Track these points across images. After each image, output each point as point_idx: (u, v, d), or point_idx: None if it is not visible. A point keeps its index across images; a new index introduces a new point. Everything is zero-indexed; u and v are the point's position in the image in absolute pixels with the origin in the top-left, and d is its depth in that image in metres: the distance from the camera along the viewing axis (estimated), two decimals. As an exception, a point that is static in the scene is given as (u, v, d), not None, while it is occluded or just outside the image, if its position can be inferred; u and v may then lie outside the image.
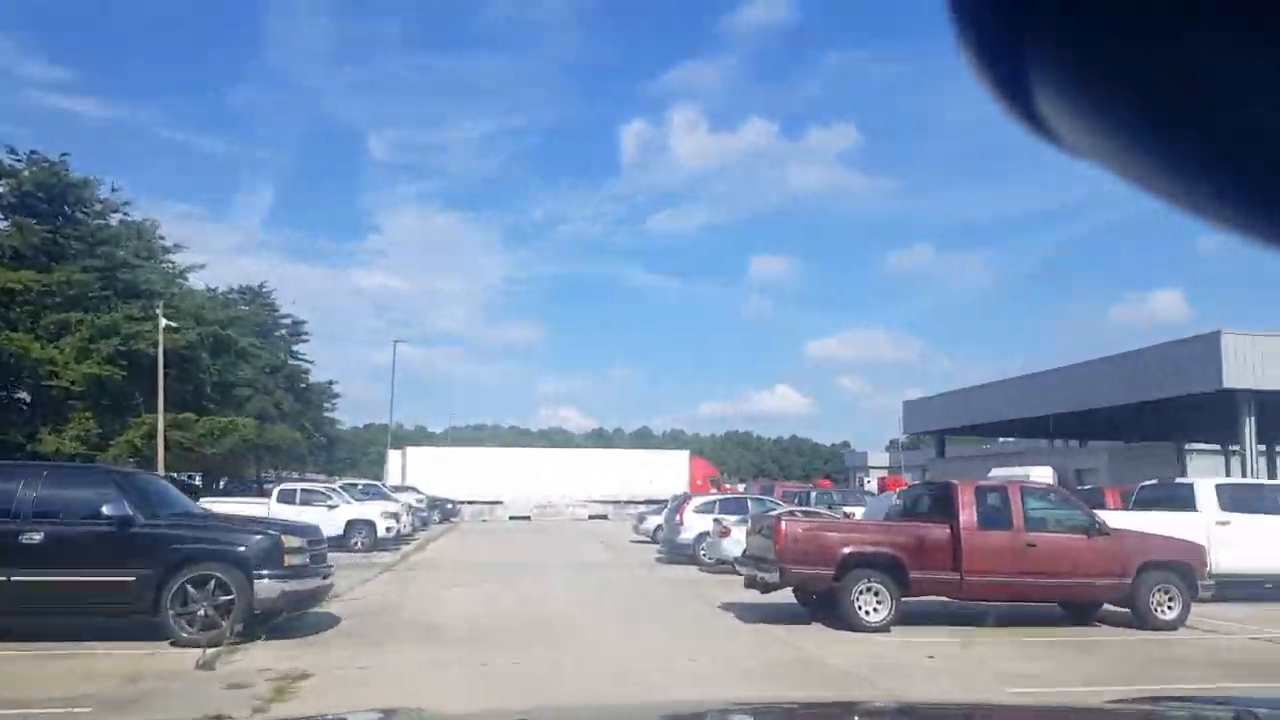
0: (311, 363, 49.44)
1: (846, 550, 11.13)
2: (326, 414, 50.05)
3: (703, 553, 20.86)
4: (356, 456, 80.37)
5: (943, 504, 12.04)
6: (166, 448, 27.96)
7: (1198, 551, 12.62)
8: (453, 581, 17.15)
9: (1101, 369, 30.11)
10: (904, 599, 11.48)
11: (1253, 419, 26.10)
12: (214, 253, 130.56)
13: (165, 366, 29.29)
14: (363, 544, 25.12)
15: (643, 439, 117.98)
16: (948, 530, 11.50)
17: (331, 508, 25.25)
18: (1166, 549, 12.38)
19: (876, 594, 11.17)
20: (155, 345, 27.61)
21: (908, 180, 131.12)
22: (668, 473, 51.39)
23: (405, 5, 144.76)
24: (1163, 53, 0.49)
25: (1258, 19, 0.46)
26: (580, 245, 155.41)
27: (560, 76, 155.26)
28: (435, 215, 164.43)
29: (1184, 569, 12.19)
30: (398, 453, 50.76)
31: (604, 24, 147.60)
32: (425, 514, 39.12)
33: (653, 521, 29.95)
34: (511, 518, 48.34)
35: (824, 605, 11.68)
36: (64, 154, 29.84)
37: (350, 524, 25.21)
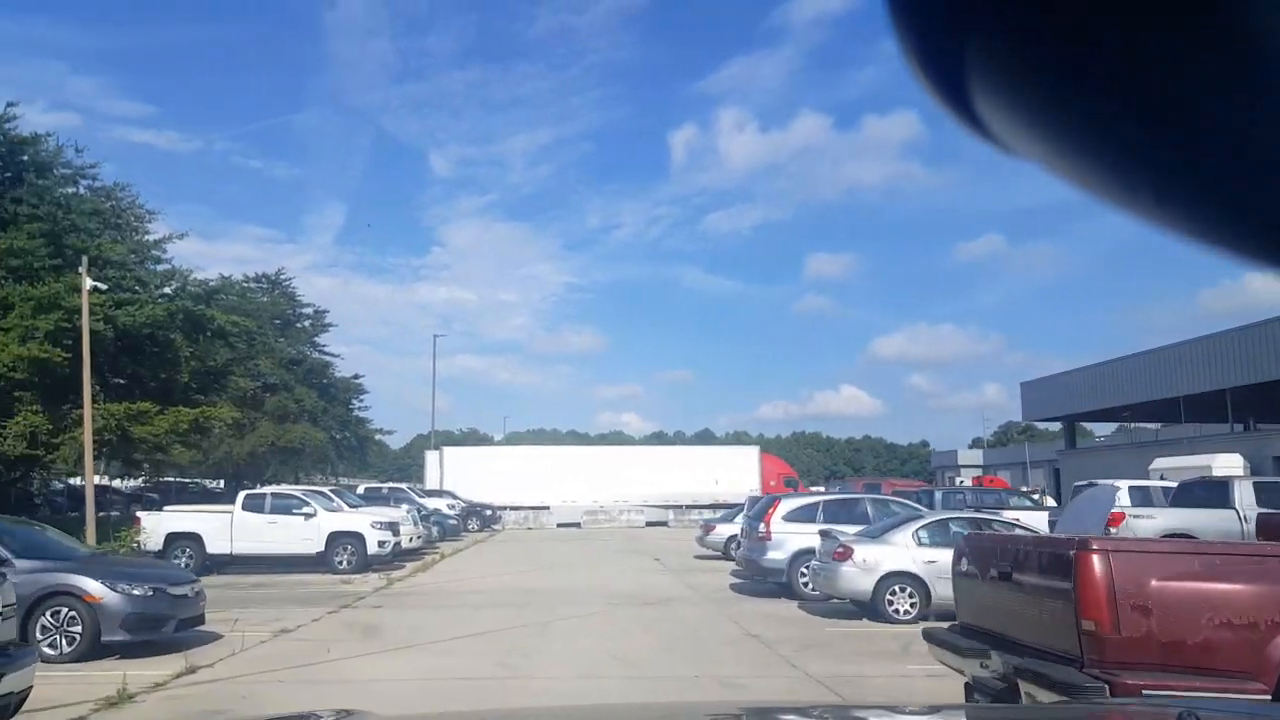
0: (338, 356, 44.55)
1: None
2: (356, 412, 45.01)
3: (804, 582, 14.78)
4: (407, 463, 76.07)
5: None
6: (130, 444, 23.01)
7: None
8: (413, 636, 11.32)
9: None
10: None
11: None
12: (290, 273, 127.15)
13: (122, 349, 24.27)
14: (348, 563, 19.61)
15: (704, 441, 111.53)
16: None
17: (309, 517, 19.77)
18: None
19: None
20: (111, 323, 22.55)
21: (975, 168, 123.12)
22: (735, 472, 45.09)
23: (458, 23, 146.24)
24: (1099, 51, 0.50)
25: (1193, 17, 0.47)
26: (636, 249, 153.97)
27: (609, 82, 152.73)
28: (495, 226, 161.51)
29: None
30: (435, 455, 45.55)
31: (649, 28, 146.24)
32: (455, 522, 33.67)
33: (723, 532, 23.86)
34: (559, 525, 42.71)
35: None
36: (10, 103, 25.04)
37: (333, 538, 19.74)
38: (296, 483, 43.30)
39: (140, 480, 41.13)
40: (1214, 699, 3.41)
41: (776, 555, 15.19)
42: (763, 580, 15.69)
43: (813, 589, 14.33)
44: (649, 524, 42.98)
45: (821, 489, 55.97)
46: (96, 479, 50.70)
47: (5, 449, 21.88)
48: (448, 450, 45.49)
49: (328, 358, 42.86)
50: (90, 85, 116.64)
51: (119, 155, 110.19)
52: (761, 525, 15.45)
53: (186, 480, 43.70)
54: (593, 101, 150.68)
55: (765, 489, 46.92)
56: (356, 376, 44.70)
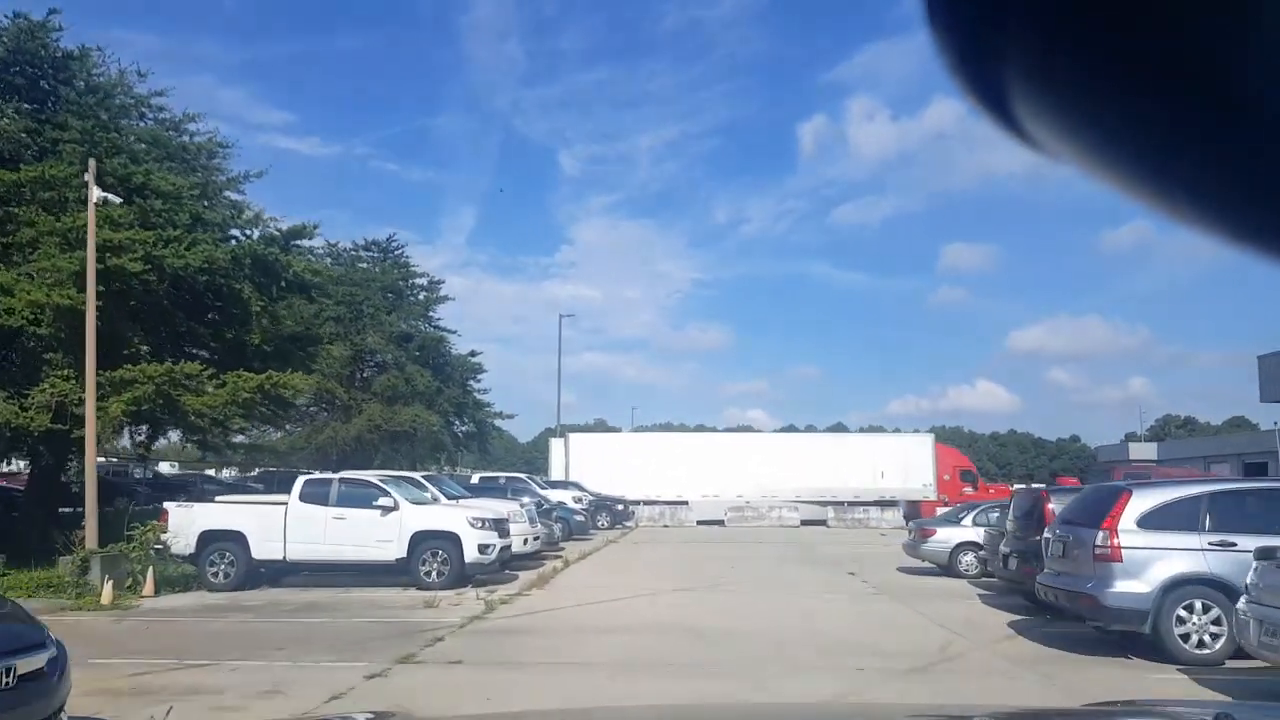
0: (454, 332, 39.77)
1: None
2: (474, 393, 40.14)
3: (1186, 634, 8.31)
4: (534, 456, 71.97)
5: None
6: (178, 416, 18.46)
7: None
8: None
9: None
10: None
11: None
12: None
13: (177, 300, 19.65)
14: (438, 573, 14.20)
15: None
16: None
17: (387, 511, 14.47)
18: None
19: None
20: (156, 266, 17.94)
21: None
22: (905, 463, 38.09)
23: (585, 21, 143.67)
24: (1139, 57, 0.50)
25: (1236, 19, 0.47)
26: (764, 244, 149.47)
27: (737, 76, 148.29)
28: (622, 224, 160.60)
29: None
30: (560, 442, 40.36)
31: (778, 20, 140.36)
32: (583, 518, 28.20)
33: (948, 538, 17.25)
34: (700, 522, 36.77)
35: None
36: (52, 10, 20.90)
37: (418, 539, 14.39)
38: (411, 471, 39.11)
39: (237, 469, 37.81)
40: (1253, 705, 3.22)
41: (1132, 588, 8.65)
42: (1102, 625, 9.17)
43: (1208, 646, 7.85)
44: (804, 523, 36.52)
45: (997, 489, 47.84)
46: (168, 465, 47.45)
47: (25, 422, 17.46)
48: (574, 437, 40.19)
49: (442, 333, 38.19)
50: (236, 95, 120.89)
51: (263, 160, 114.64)
52: (1099, 535, 8.90)
53: (296, 469, 40.10)
54: (720, 96, 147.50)
55: (940, 486, 39.71)
56: (473, 353, 39.79)
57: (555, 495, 29.23)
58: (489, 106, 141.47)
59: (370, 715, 2.23)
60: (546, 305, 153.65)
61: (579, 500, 30.20)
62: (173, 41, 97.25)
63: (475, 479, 30.16)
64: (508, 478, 29.99)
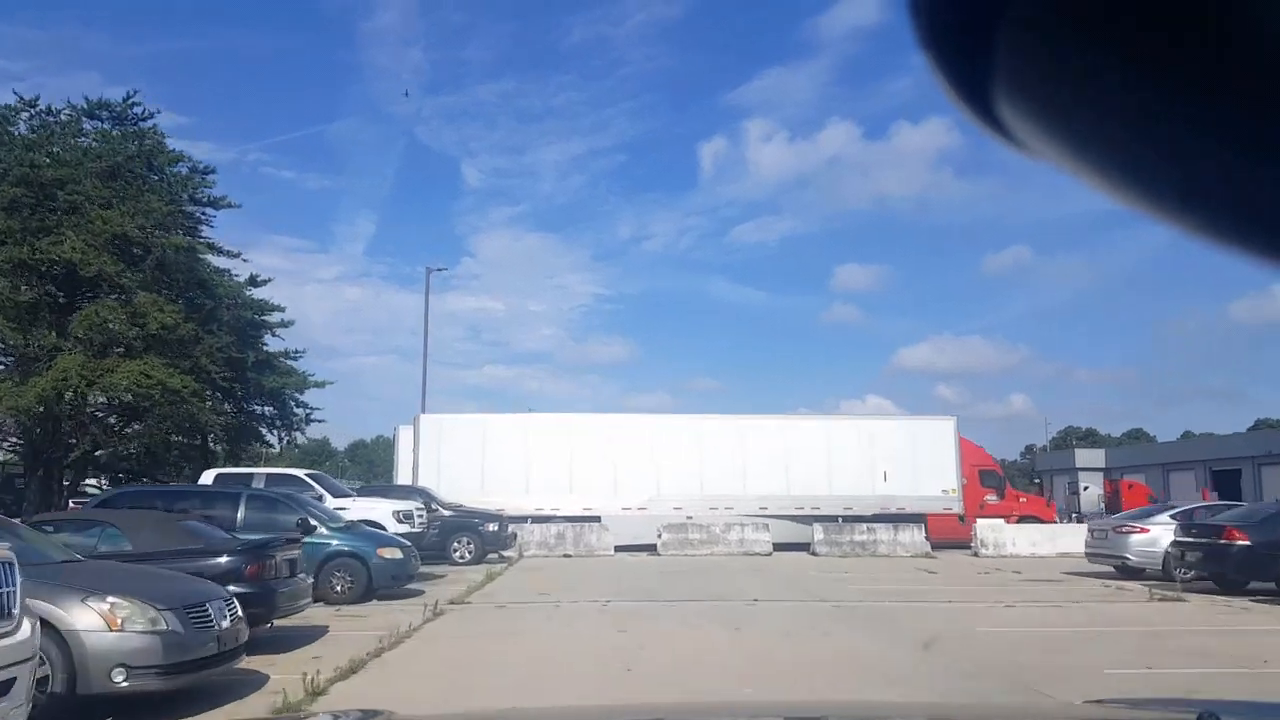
0: (236, 254, 25.39)
1: None
2: (264, 349, 25.55)
3: None
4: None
5: None
6: None
7: None
8: None
9: None
10: None
11: None
12: (320, 283, 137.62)
13: None
14: None
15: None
16: None
17: None
18: None
19: None
20: None
21: (1007, 179, 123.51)
22: (917, 458, 26.06)
23: (492, 33, 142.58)
24: (1123, 57, 0.50)
25: (1218, 25, 0.47)
26: (666, 260, 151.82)
27: (643, 93, 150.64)
28: (525, 237, 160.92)
29: None
30: (409, 429, 26.68)
31: (684, 40, 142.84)
32: (402, 557, 14.76)
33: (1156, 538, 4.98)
34: (620, 549, 23.87)
35: None
36: None
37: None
38: (129, 480, 24.51)
39: None
40: (1234, 702, 3.27)
41: None
42: None
43: None
44: (778, 547, 24.03)
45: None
46: None
47: None
48: (426, 419, 26.60)
49: (205, 244, 23.96)
50: (123, 95, 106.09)
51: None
52: None
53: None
54: (626, 113, 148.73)
55: (968, 492, 27.71)
56: (256, 280, 25.46)
57: (368, 507, 16.11)
58: (391, 114, 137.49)
59: (359, 714, 2.05)
60: (448, 317, 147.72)
61: (410, 517, 16.82)
62: (57, 34, 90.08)
63: (210, 476, 16.62)
64: (272, 475, 16.48)
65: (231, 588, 7.90)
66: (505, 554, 21.53)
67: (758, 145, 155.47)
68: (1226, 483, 46.31)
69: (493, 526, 20.79)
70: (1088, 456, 75.83)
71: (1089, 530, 19.51)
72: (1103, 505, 35.28)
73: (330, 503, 15.52)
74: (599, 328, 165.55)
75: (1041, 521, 28.06)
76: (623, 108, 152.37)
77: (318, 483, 16.17)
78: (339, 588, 12.80)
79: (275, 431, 27.60)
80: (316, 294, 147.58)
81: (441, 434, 25.47)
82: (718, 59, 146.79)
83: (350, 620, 11.16)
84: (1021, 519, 27.88)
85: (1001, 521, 25.92)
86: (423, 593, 14.25)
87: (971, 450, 28.47)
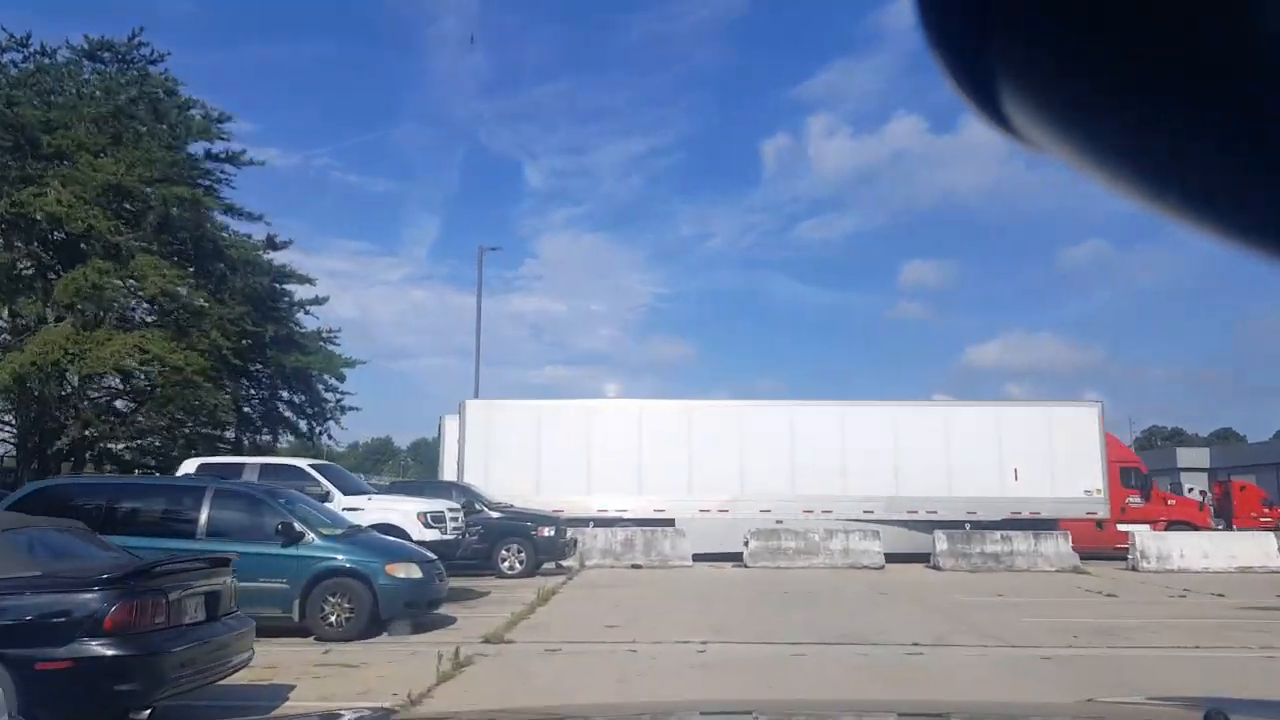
0: (259, 217, 22.21)
1: None
2: (295, 327, 22.24)
3: None
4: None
5: None
6: None
7: None
8: None
9: None
10: None
11: None
12: (386, 285, 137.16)
13: None
14: None
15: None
16: None
17: None
18: None
19: None
20: None
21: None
22: (1054, 454, 21.66)
23: (550, 35, 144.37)
24: (1127, 52, 0.50)
25: (1223, 19, 0.46)
26: (728, 259, 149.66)
27: (702, 90, 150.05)
28: (586, 238, 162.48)
29: None
30: (454, 419, 23.24)
31: (743, 36, 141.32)
32: (422, 577, 11.31)
33: None
34: (698, 557, 20.06)
35: None
36: None
37: None
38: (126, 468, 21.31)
39: None
40: (1242, 700, 3.11)
41: None
42: None
43: None
44: (890, 558, 19.94)
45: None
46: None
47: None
48: (473, 405, 23.09)
49: (216, 197, 20.76)
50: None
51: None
52: None
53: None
54: (685, 110, 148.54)
55: (1113, 488, 23.27)
56: (275, 242, 22.11)
57: (386, 508, 12.68)
58: (453, 118, 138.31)
59: (367, 712, 2.17)
60: (511, 318, 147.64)
61: (441, 520, 13.22)
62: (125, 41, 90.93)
63: (191, 466, 13.29)
64: (267, 466, 13.06)
65: (74, 645, 4.32)
66: (563, 564, 17.99)
67: (821, 141, 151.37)
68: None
69: (548, 531, 17.21)
70: (1191, 456, 70.13)
71: None
72: (1212, 509, 30.67)
73: (339, 501, 12.05)
74: (659, 327, 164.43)
75: (1195, 528, 23.58)
76: (682, 105, 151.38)
77: (324, 475, 12.67)
78: (332, 618, 9.28)
79: (306, 420, 24.38)
80: (383, 295, 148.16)
81: (491, 422, 21.96)
82: (779, 54, 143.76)
83: (333, 675, 7.59)
84: (1169, 524, 23.52)
85: (1152, 529, 21.82)
86: (454, 621, 10.74)
87: (1112, 444, 23.89)
